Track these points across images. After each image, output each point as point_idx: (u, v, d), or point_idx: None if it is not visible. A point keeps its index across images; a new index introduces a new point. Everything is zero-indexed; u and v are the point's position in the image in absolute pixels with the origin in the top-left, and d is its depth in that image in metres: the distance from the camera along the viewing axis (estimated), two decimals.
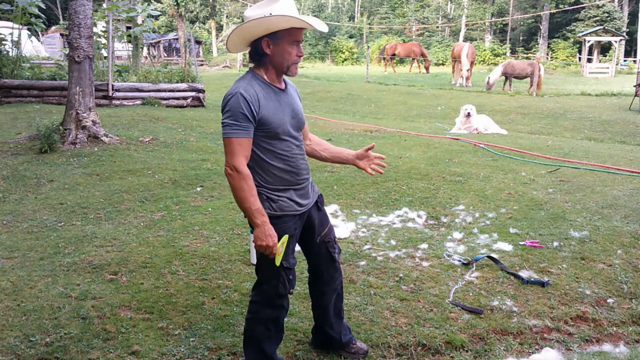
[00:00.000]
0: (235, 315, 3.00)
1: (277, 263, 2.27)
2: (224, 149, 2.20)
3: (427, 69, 28.04)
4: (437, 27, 47.34)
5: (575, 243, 4.08)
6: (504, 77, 19.01)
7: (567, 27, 40.43)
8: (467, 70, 20.29)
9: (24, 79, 11.22)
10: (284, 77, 2.39)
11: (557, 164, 6.94)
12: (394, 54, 28.68)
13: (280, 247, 2.24)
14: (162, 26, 43.15)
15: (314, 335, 2.74)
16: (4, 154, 6.57)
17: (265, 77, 2.26)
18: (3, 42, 11.74)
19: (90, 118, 7.30)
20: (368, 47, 29.59)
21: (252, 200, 2.17)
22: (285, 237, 2.29)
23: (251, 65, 2.31)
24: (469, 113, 9.94)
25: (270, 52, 2.21)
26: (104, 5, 12.39)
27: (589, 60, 29.60)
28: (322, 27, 2.25)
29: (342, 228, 4.36)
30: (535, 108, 14.09)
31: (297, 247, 2.52)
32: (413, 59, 28.87)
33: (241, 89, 2.17)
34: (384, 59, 29.32)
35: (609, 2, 38.91)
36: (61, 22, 37.22)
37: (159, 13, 19.59)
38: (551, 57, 37.26)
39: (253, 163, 2.26)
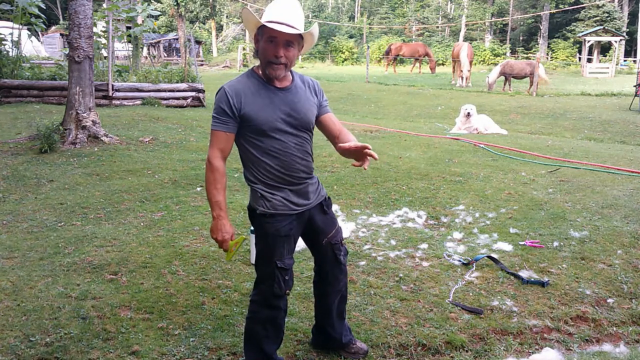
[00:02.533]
0: (235, 315, 3.00)
1: (227, 259, 2.38)
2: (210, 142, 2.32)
3: (432, 69, 27.99)
4: (437, 27, 47.34)
5: (575, 243, 4.08)
6: (504, 77, 19.02)
7: (567, 27, 40.43)
8: (468, 71, 20.26)
9: (24, 79, 11.22)
10: (299, 75, 2.40)
11: (557, 164, 6.94)
12: (397, 54, 28.67)
13: (233, 245, 2.31)
14: (162, 26, 43.13)
15: (314, 335, 2.74)
16: (4, 154, 6.57)
17: (261, 75, 2.28)
18: (3, 42, 11.75)
19: (90, 118, 7.30)
20: (368, 47, 29.59)
21: (213, 192, 2.26)
22: (241, 238, 2.35)
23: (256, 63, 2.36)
24: (469, 113, 9.94)
25: (259, 47, 2.27)
26: (104, 5, 12.39)
27: (589, 60, 29.59)
28: (280, 20, 2.15)
29: (342, 228, 4.36)
30: (535, 108, 14.10)
31: (298, 247, 2.51)
32: (416, 59, 28.87)
33: (227, 84, 2.26)
34: (387, 58, 29.29)
35: (609, 2, 38.90)
36: (61, 22, 37.21)
37: (159, 13, 19.59)
38: (551, 57, 37.27)
39: (245, 158, 2.33)
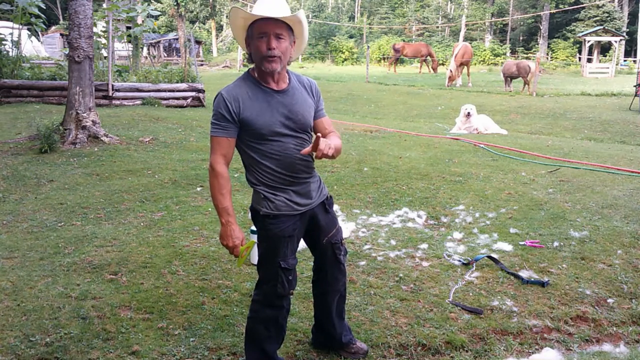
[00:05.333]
0: (235, 315, 3.00)
1: (238, 265, 2.35)
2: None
3: (435, 69, 27.97)
4: (437, 27, 47.33)
5: (575, 243, 4.08)
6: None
7: (567, 27, 40.41)
8: (451, 70, 20.18)
9: (24, 79, 11.22)
10: (295, 75, 2.39)
11: (557, 164, 6.94)
12: (400, 55, 28.71)
13: (244, 250, 2.29)
14: (162, 26, 43.13)
15: (314, 334, 2.74)
16: (4, 154, 6.57)
17: (257, 77, 2.28)
18: (3, 42, 11.75)
19: (90, 118, 7.30)
20: (368, 47, 29.57)
21: (220, 199, 2.25)
22: (252, 242, 2.34)
23: (251, 65, 2.34)
24: (469, 113, 9.94)
25: (250, 49, 2.27)
26: (104, 5, 12.39)
27: (589, 60, 29.56)
28: (264, 11, 2.14)
29: (342, 228, 4.35)
30: (535, 108, 14.09)
31: (299, 247, 2.51)
32: (423, 60, 28.90)
33: (224, 89, 2.25)
34: (390, 59, 29.28)
35: (609, 2, 38.89)
36: (61, 22, 37.20)
37: (159, 13, 19.59)
38: (551, 57, 37.25)
39: (246, 161, 2.33)
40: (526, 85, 17.84)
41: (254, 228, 3.16)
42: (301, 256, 3.60)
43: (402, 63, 33.82)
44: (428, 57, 28.67)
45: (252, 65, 2.32)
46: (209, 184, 2.30)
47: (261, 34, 2.18)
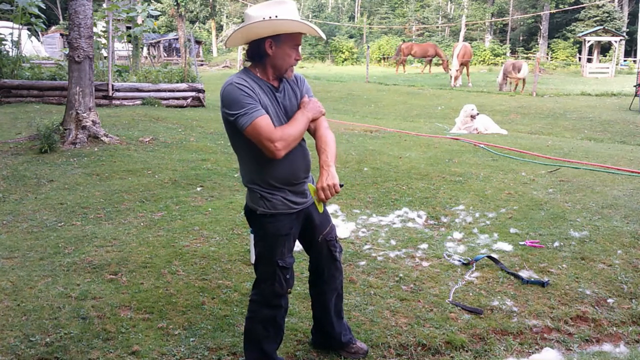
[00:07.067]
0: (235, 315, 3.00)
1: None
2: (256, 139, 2.17)
3: (445, 69, 28.01)
4: (437, 27, 47.33)
5: (575, 243, 4.08)
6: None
7: (567, 27, 40.41)
8: (457, 70, 20.26)
9: (24, 79, 11.21)
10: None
11: (557, 164, 6.94)
12: (408, 54, 28.75)
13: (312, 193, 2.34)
14: (162, 26, 43.10)
15: (313, 335, 2.74)
16: (4, 154, 6.57)
17: (259, 75, 2.27)
18: (3, 42, 11.74)
19: (90, 118, 7.29)
20: (368, 47, 29.58)
21: (298, 123, 2.25)
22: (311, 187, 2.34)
23: (247, 64, 2.32)
24: (476, 114, 9.90)
25: (272, 53, 2.22)
26: (104, 5, 12.39)
27: (589, 60, 29.56)
28: (322, 34, 2.29)
29: (342, 228, 4.36)
30: (535, 108, 14.09)
31: (297, 247, 2.52)
32: (428, 60, 28.94)
33: (233, 80, 2.20)
34: (400, 59, 29.32)
35: (609, 2, 38.89)
36: (61, 22, 37.18)
37: (159, 13, 19.59)
38: (551, 57, 37.25)
39: (247, 159, 2.29)
40: (518, 84, 18.07)
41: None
42: (300, 256, 3.61)
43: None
44: (434, 58, 28.77)
45: (249, 63, 2.31)
46: (295, 138, 2.24)
47: (297, 45, 2.24)
